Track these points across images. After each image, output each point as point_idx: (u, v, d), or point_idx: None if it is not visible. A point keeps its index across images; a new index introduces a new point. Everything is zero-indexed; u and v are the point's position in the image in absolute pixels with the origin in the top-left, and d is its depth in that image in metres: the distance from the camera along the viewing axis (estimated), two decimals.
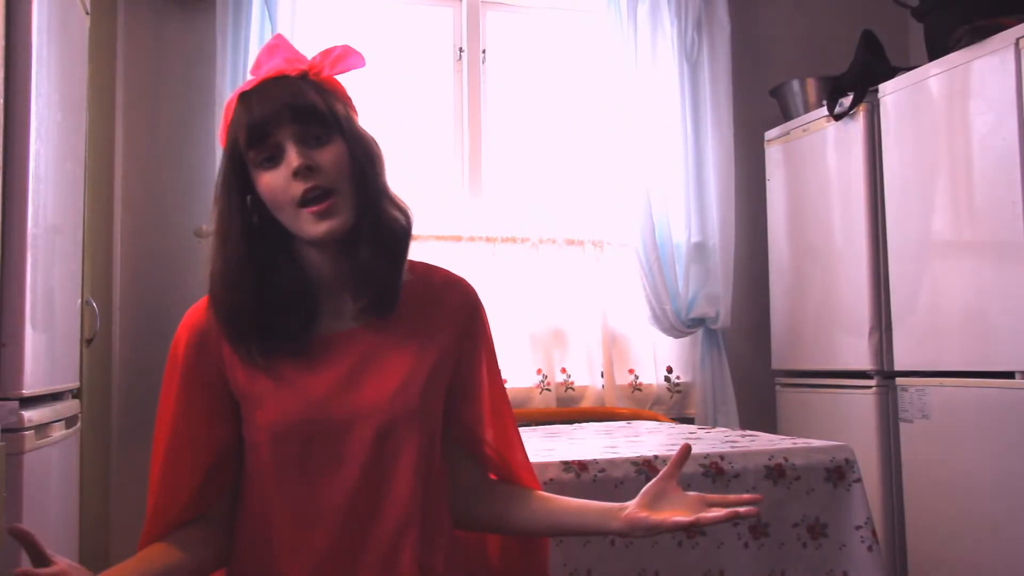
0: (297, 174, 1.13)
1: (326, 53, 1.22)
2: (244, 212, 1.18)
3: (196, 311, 1.25)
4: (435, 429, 1.27)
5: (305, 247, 1.20)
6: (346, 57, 1.23)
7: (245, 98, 1.18)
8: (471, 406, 1.31)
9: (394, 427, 1.21)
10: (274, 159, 1.15)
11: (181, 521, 1.21)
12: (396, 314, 1.24)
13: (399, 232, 1.22)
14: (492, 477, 1.35)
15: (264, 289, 1.18)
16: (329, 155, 1.16)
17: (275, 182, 1.15)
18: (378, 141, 1.24)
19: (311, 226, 1.15)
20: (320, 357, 1.21)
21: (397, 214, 1.23)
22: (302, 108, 1.16)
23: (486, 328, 1.33)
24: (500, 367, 1.36)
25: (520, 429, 1.37)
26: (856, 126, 2.97)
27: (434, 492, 1.25)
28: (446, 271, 1.34)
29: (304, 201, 1.14)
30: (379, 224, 1.20)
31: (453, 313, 1.29)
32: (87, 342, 2.34)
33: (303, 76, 1.20)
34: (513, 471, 1.33)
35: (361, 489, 1.19)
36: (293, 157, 1.14)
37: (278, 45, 1.23)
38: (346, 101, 1.24)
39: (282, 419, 1.19)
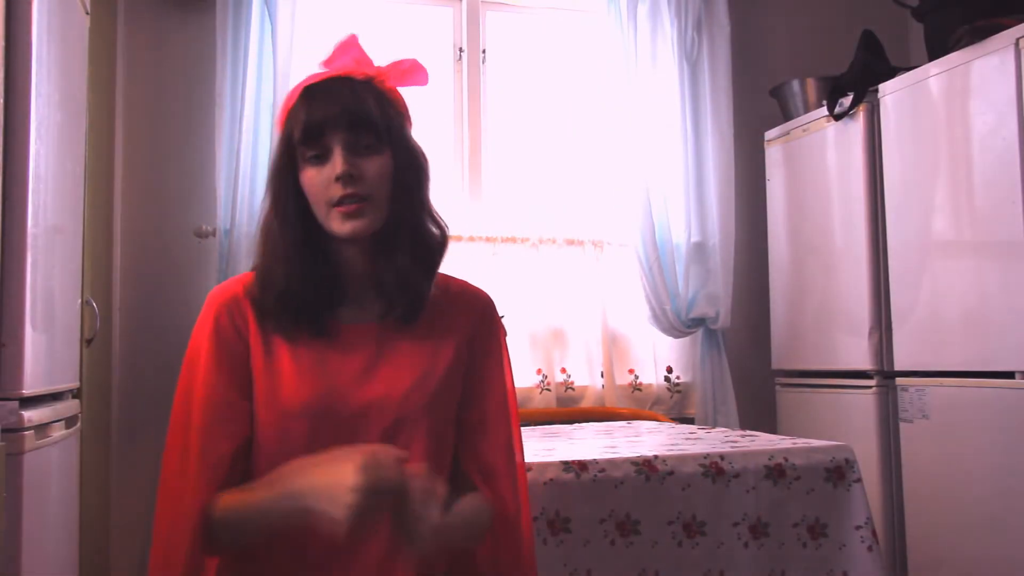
0: (339, 179, 1.18)
1: (396, 64, 1.27)
2: (299, 197, 1.22)
3: (224, 289, 1.27)
4: (444, 432, 1.27)
5: (338, 241, 1.23)
6: (413, 73, 1.28)
7: (308, 94, 1.22)
8: (474, 412, 1.31)
9: (403, 424, 1.22)
10: (321, 158, 1.20)
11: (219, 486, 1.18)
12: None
13: (434, 245, 1.28)
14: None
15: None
16: (374, 165, 1.21)
17: (318, 179, 1.20)
18: (425, 155, 1.29)
19: (338, 224, 1.20)
20: (338, 347, 1.24)
21: (434, 229, 1.28)
22: (358, 116, 1.20)
23: (501, 341, 1.35)
24: (513, 381, 1.35)
25: (520, 430, 1.36)
26: (856, 126, 2.97)
27: None
28: (465, 282, 1.37)
29: (338, 202, 1.19)
30: (417, 234, 1.25)
31: (469, 321, 1.31)
32: (87, 342, 2.33)
33: (368, 81, 1.24)
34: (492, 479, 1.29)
35: None
36: (339, 163, 1.18)
37: (351, 44, 1.26)
38: (403, 112, 1.28)
39: (295, 401, 1.20)
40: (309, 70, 1.29)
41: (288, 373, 1.21)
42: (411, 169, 1.26)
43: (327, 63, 1.26)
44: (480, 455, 1.29)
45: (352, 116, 1.19)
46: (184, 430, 1.20)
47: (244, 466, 1.22)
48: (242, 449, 1.21)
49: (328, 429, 1.20)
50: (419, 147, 1.29)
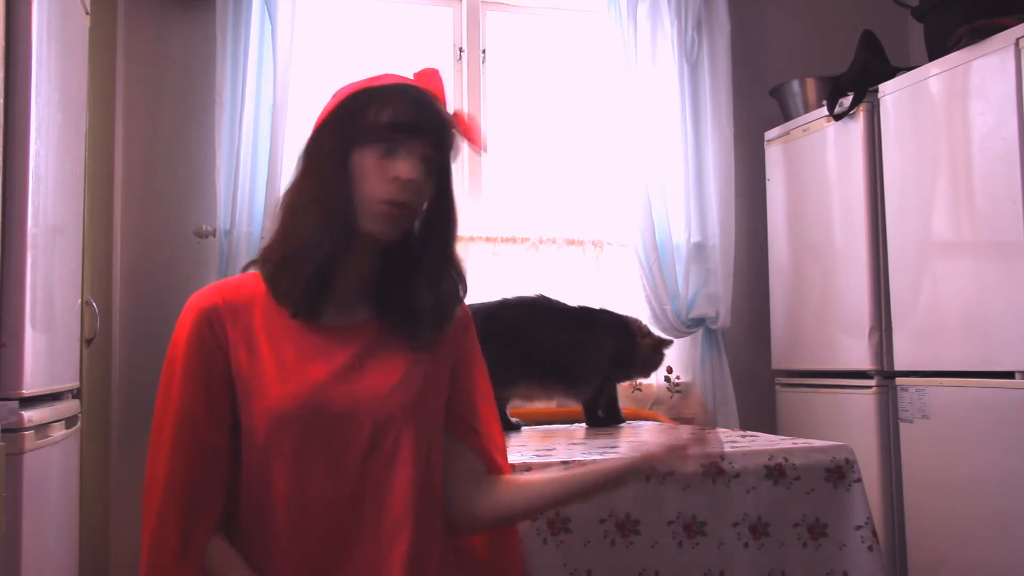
0: (404, 183, 1.18)
1: (471, 117, 1.29)
2: (342, 175, 1.21)
3: (203, 297, 1.27)
4: (433, 433, 1.27)
5: (354, 233, 1.22)
6: (472, 134, 1.28)
7: (416, 90, 1.23)
8: (467, 405, 1.35)
9: (390, 423, 1.22)
10: (392, 150, 1.19)
11: (196, 495, 1.20)
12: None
13: (463, 277, 1.32)
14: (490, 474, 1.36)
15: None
16: (429, 188, 1.24)
17: (376, 168, 1.19)
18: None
19: (373, 219, 1.20)
20: (323, 346, 1.24)
21: (459, 282, 1.32)
22: (447, 140, 1.23)
23: (476, 341, 1.41)
24: (488, 375, 1.42)
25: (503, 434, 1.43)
26: (856, 126, 2.97)
27: (431, 500, 1.26)
28: None
29: (388, 201, 1.19)
30: (456, 265, 1.30)
31: (455, 330, 1.34)
32: (87, 342, 2.34)
33: (450, 122, 1.26)
34: (494, 457, 1.37)
35: (358, 482, 1.20)
36: (415, 168, 1.19)
37: (436, 78, 1.28)
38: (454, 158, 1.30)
39: (282, 402, 1.20)
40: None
41: (272, 376, 1.21)
42: (452, 208, 1.29)
43: (418, 77, 1.28)
44: (483, 433, 1.36)
45: (443, 137, 1.22)
46: (158, 440, 1.22)
47: (224, 475, 1.22)
48: (215, 463, 1.21)
49: (316, 429, 1.20)
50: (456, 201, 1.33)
